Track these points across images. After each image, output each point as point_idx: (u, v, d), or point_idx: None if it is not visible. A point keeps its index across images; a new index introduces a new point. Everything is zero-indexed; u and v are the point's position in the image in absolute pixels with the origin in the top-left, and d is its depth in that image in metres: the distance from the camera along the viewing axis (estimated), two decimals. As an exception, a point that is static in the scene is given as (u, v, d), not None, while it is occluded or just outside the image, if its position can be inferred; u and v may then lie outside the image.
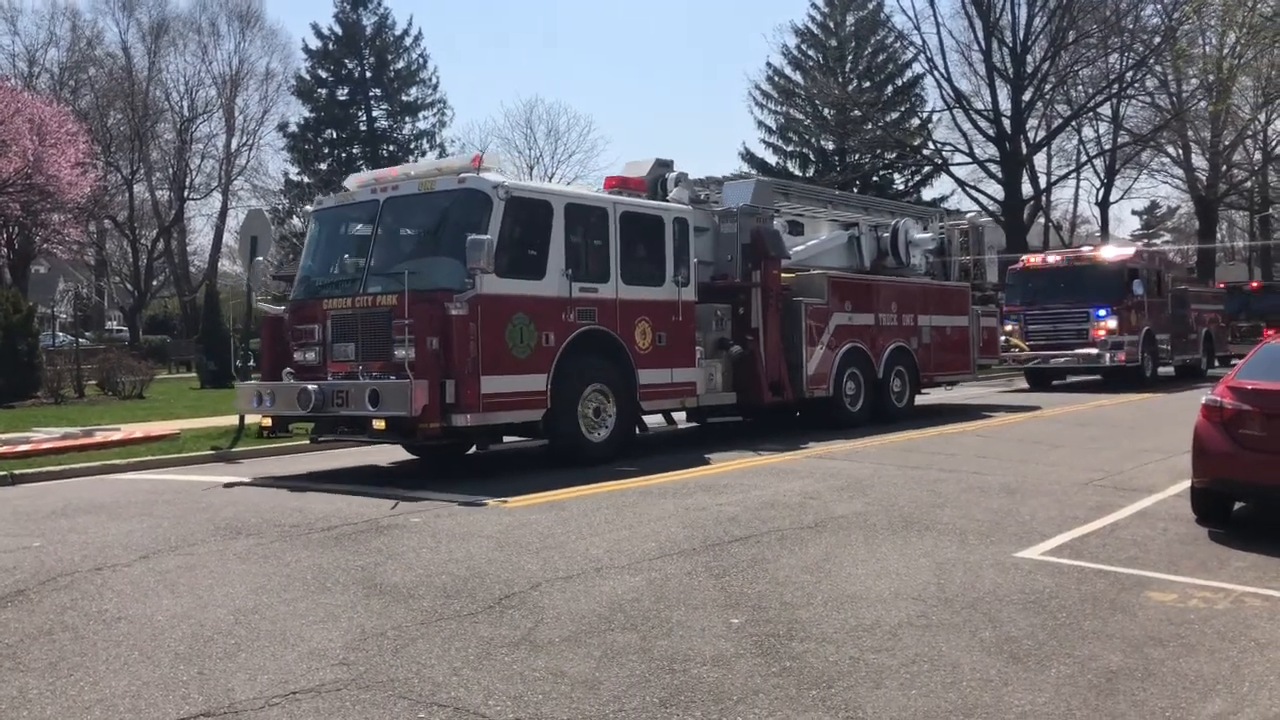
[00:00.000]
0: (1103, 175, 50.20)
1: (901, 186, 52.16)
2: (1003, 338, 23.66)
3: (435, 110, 55.28)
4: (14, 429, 14.48)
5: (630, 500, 9.02)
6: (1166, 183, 54.72)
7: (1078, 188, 51.09)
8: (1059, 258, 25.17)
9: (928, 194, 51.77)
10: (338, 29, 53.94)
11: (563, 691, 4.45)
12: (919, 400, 17.57)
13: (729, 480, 10.16)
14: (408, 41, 55.12)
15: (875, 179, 51.27)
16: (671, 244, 12.56)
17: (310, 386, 10.31)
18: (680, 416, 14.04)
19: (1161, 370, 24.95)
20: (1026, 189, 44.86)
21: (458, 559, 6.81)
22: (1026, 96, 41.64)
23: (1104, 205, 51.25)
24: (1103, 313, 23.04)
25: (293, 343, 11.24)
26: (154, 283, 57.28)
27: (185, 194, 55.53)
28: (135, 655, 4.93)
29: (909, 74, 51.12)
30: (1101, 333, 22.98)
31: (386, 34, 54.72)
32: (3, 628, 5.40)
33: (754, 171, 52.36)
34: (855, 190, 51.96)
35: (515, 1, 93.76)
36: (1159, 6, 40.26)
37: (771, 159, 52.86)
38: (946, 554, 6.91)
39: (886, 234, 17.48)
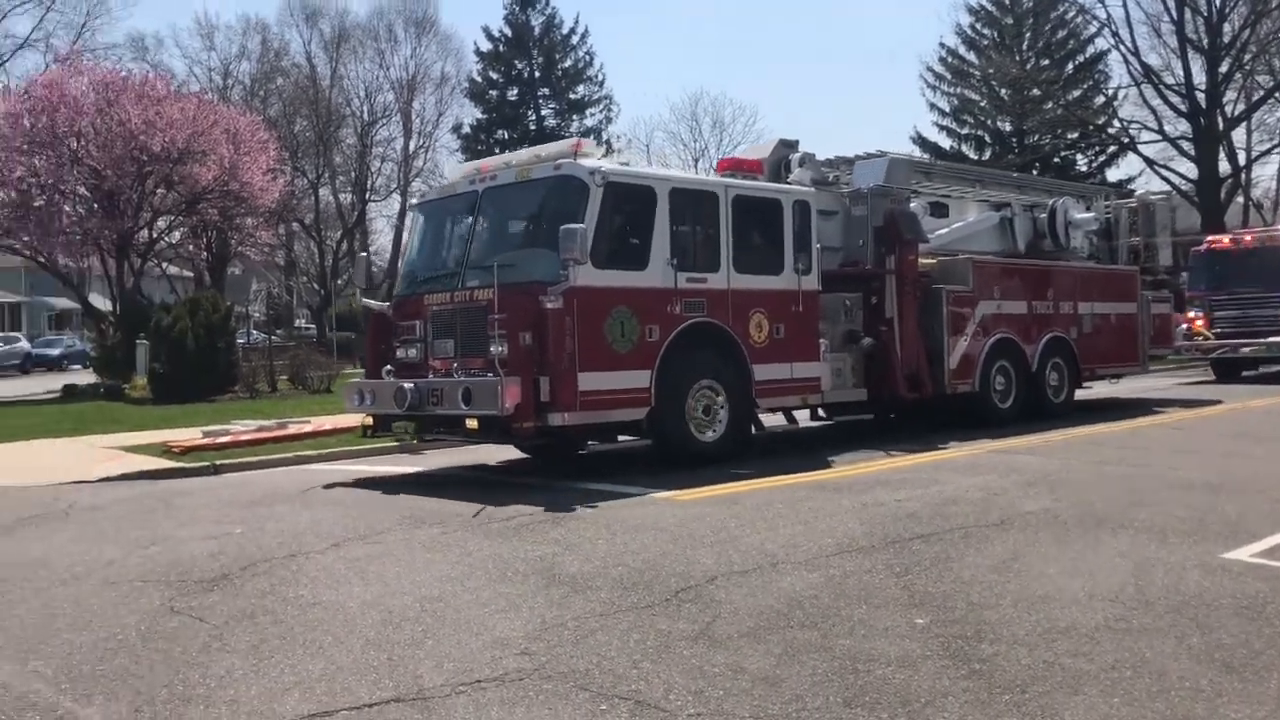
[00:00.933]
0: (1309, 150, 46.72)
1: (1085, 168, 49.80)
2: (1184, 325, 22.00)
3: (601, 107, 56.12)
4: (215, 421, 15.38)
5: (803, 495, 8.87)
6: (1383, 155, 50.38)
7: (1281, 163, 47.94)
8: (1250, 238, 23.15)
9: (1113, 175, 49.22)
10: (507, 30, 55.31)
11: (743, 688, 4.38)
12: (1079, 395, 16.24)
13: (906, 475, 9.88)
14: (574, 40, 56.08)
15: (1056, 160, 49.07)
16: (791, 229, 11.75)
17: (406, 385, 10.11)
18: (804, 415, 13.26)
19: None
20: (1224, 166, 42.14)
21: (633, 550, 6.84)
22: (1223, 68, 39.13)
23: (1311, 182, 47.75)
24: None
25: (396, 339, 11.07)
26: (338, 281, 60.12)
27: (366, 196, 58.10)
28: (329, 640, 5.13)
29: (1091, 50, 48.69)
30: None
31: (554, 33, 55.75)
32: (210, 609, 5.71)
33: (927, 156, 50.96)
34: (1035, 172, 50.01)
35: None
36: (1373, -36, 37.18)
37: (945, 142, 51.33)
38: (1145, 554, 6.51)
39: (1043, 214, 16.23)
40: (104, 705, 4.36)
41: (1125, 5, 41.31)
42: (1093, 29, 46.97)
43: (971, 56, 51.13)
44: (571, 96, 55.81)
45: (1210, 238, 23.90)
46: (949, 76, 51.50)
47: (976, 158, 50.73)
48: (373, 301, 12.38)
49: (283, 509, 8.88)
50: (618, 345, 10.05)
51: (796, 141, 13.80)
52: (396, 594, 5.94)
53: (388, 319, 11.33)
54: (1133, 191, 19.75)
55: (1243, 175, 45.46)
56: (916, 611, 5.41)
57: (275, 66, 58.16)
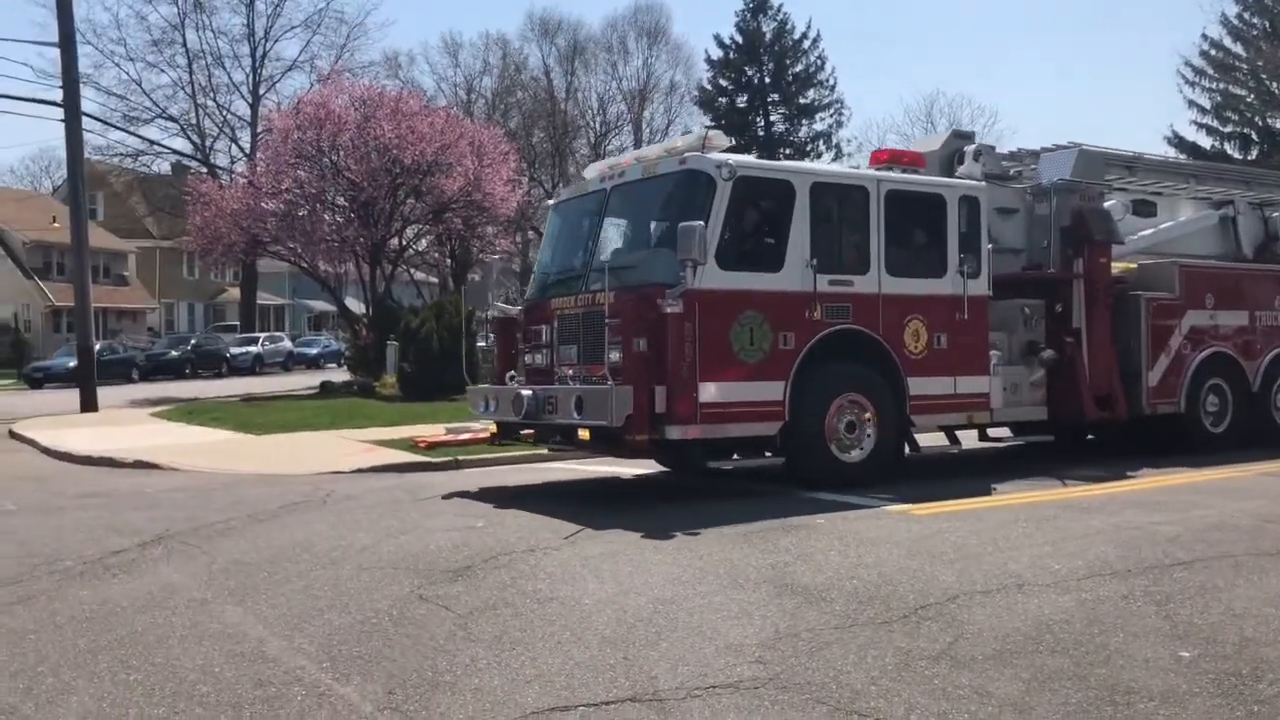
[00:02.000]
0: None
1: (1367, 166, 45.18)
2: None
3: (832, 111, 55.59)
4: (457, 419, 16.12)
5: (1049, 514, 8.40)
6: None
7: None
8: None
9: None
10: (738, 37, 55.56)
11: (990, 713, 4.17)
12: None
13: (1163, 497, 9.20)
14: (805, 44, 55.78)
15: (1334, 158, 44.73)
16: (956, 227, 10.61)
17: (525, 392, 9.70)
18: (971, 435, 11.64)
19: None
20: None
21: (867, 564, 6.66)
22: None
23: None
24: None
25: (524, 344, 10.71)
26: (570, 287, 61.86)
27: (599, 205, 59.49)
28: (566, 635, 5.24)
29: (1378, 36, 44.15)
30: None
31: (785, 39, 55.61)
32: (455, 599, 5.96)
33: (1183, 156, 47.61)
34: (1308, 172, 45.72)
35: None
36: None
37: (1205, 141, 47.87)
38: None
39: (1276, 213, 14.43)
40: (360, 685, 4.60)
41: None
42: (1380, 13, 42.67)
43: (1238, 49, 47.44)
44: (801, 101, 55.50)
45: None
46: (1210, 71, 47.99)
47: (1242, 158, 47.01)
48: (503, 305, 11.90)
49: (538, 503, 9.17)
50: (746, 354, 9.32)
51: (972, 133, 12.73)
52: (630, 593, 6.01)
53: (516, 323, 10.98)
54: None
55: None
56: (1180, 644, 5.01)
57: (515, 80, 60.64)
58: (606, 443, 9.22)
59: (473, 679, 4.64)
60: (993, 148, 12.89)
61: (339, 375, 31.00)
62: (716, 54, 56.39)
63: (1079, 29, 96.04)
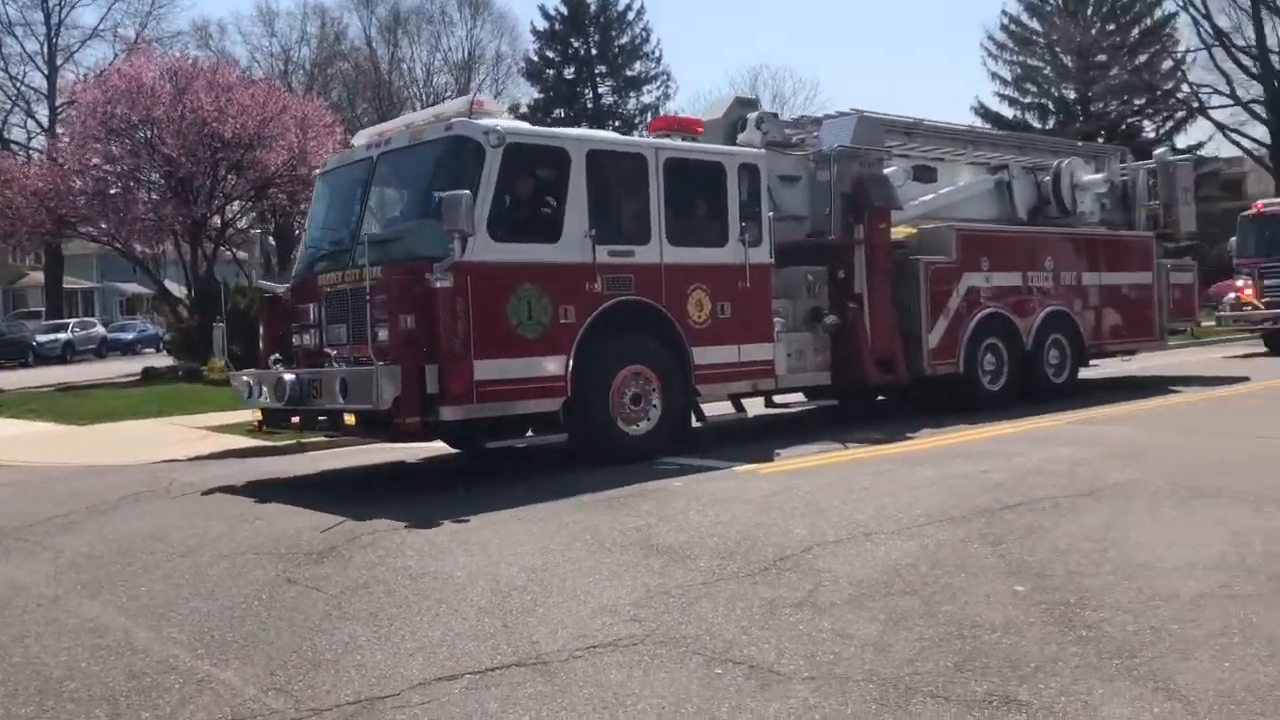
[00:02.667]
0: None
1: (1152, 134, 48.75)
2: (1231, 295, 21.28)
3: (659, 84, 56.19)
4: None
5: (886, 468, 8.92)
6: None
7: (1358, 125, 46.25)
8: None
9: (1181, 141, 48.15)
10: (563, 8, 55.45)
11: (853, 653, 4.48)
12: (1086, 374, 14.97)
13: (987, 447, 9.88)
14: (630, 16, 56.18)
15: (1122, 128, 48.11)
16: (737, 195, 10.57)
17: (287, 376, 9.09)
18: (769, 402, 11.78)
19: None
20: (1298, 130, 41.05)
21: (724, 521, 6.95)
22: (1298, 28, 38.05)
23: (1391, 143, 46.27)
24: None
25: (294, 324, 10.14)
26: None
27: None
28: (443, 608, 5.31)
29: (1159, 13, 47.67)
30: None
31: (610, 10, 55.81)
32: (325, 580, 5.93)
33: (988, 125, 50.17)
34: (1100, 140, 49.05)
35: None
36: None
37: (1007, 112, 50.72)
38: (1242, 522, 6.48)
39: (1047, 177, 14.91)
40: (240, 669, 4.57)
41: (1195, -34, 40.31)
42: (1161, -9, 45.97)
43: (1035, 24, 50.36)
44: (628, 73, 55.87)
45: (1261, 201, 22.73)
46: (1011, 45, 50.78)
47: (1041, 126, 49.94)
48: (267, 283, 11.13)
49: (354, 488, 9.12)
50: (524, 328, 8.94)
51: (755, 100, 12.57)
52: (500, 564, 6.11)
53: (282, 302, 10.37)
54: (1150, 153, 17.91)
55: (1319, 139, 44.20)
56: (1015, 579, 5.46)
57: (335, 51, 58.89)
58: (375, 427, 8.78)
59: (354, 655, 4.67)
60: (775, 115, 13.03)
61: (160, 361, 29.58)
62: (542, 25, 56.16)
63: (891, 6, 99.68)
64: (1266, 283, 21.02)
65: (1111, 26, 47.93)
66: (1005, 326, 13.29)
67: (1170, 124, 48.16)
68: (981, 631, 4.69)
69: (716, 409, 11.00)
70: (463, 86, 59.33)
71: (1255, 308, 20.99)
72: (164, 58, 28.77)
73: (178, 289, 31.90)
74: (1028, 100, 50.79)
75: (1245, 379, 15.61)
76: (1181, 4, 42.47)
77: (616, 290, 9.58)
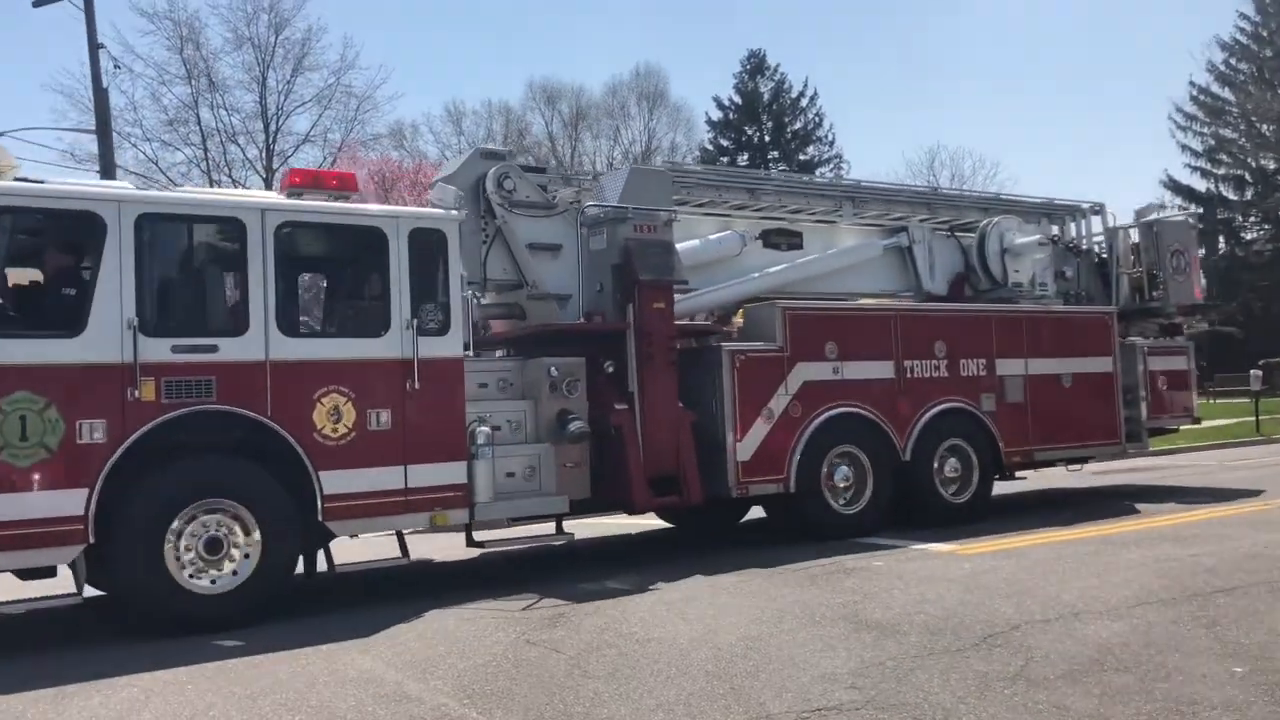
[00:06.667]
0: None
1: (1361, 203, 46.24)
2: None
3: (832, 166, 56.54)
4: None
5: (1092, 549, 8.94)
6: None
7: None
8: None
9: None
10: (737, 99, 56.95)
11: (1071, 724, 4.69)
12: (1009, 488, 12.48)
13: (1198, 530, 9.73)
14: (804, 103, 57.16)
15: (1327, 197, 45.80)
16: (406, 270, 8.34)
17: None
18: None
19: None
20: None
21: (930, 599, 7.19)
22: None
23: None
24: None
25: None
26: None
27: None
28: (673, 670, 5.76)
29: (1364, 77, 45.38)
30: None
31: (784, 98, 57.02)
32: (561, 642, 6.48)
33: (1178, 200, 48.46)
34: (1303, 212, 46.78)
35: (908, 52, 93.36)
36: None
37: (1199, 184, 49.03)
38: None
39: (972, 241, 12.58)
40: (503, 717, 5.12)
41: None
42: (1365, 55, 43.92)
43: (1227, 93, 48.67)
44: (801, 158, 56.65)
45: None
46: (1201, 115, 49.22)
47: (1237, 198, 48.00)
48: None
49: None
50: (13, 454, 6.88)
51: (507, 151, 10.57)
52: (718, 632, 6.54)
53: None
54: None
55: None
56: (1232, 661, 5.52)
57: (519, 146, 61.79)
58: None
59: (600, 709, 5.16)
60: (540, 169, 11.23)
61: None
62: (716, 115, 57.81)
63: (1076, 77, 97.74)
64: None
65: (1312, 93, 45.94)
66: (867, 430, 10.64)
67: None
68: (1201, 709, 4.81)
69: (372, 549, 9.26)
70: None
71: None
72: (367, 159, 31.13)
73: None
74: (1221, 172, 49.00)
75: (1258, 493, 12.58)
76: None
77: (185, 398, 7.42)
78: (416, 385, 8.24)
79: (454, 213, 8.95)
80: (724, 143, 57.78)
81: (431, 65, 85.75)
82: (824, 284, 11.72)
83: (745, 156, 56.84)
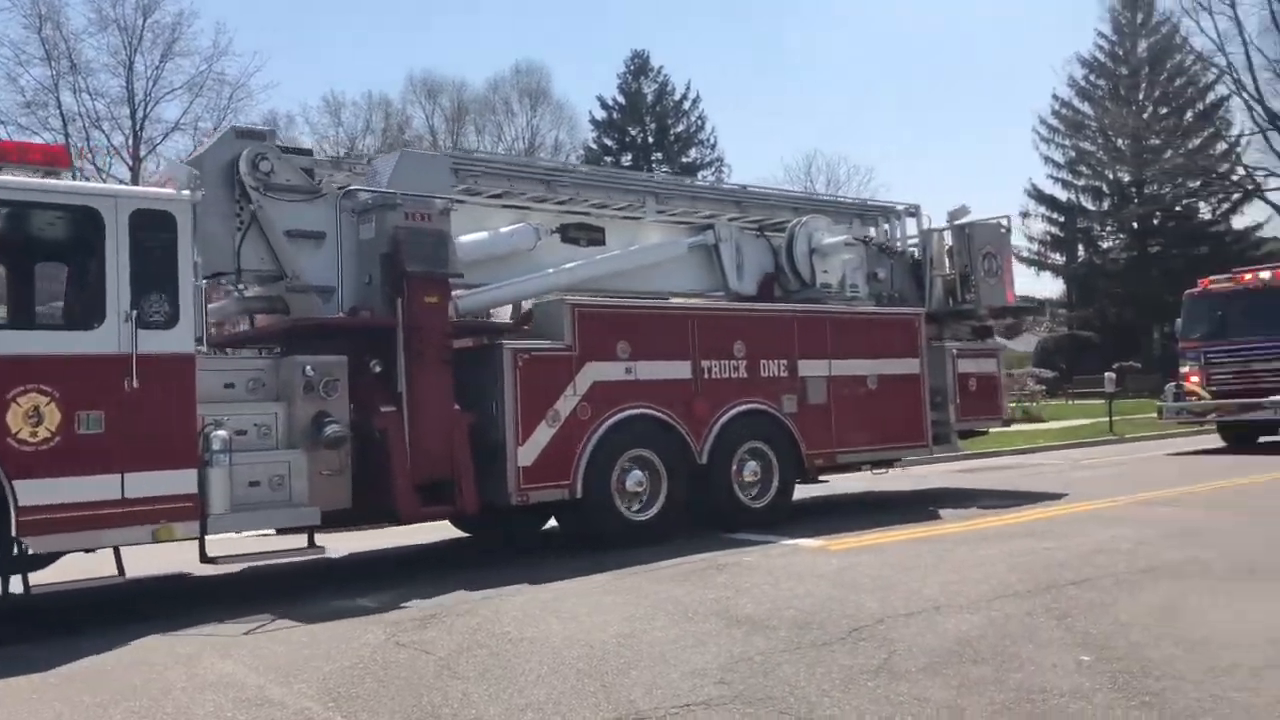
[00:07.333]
0: None
1: (1208, 215, 48.92)
2: (1172, 384, 19.27)
3: (714, 169, 57.30)
4: None
5: (952, 544, 9.25)
6: None
7: None
8: (1251, 277, 19.03)
9: (1238, 222, 48.29)
10: (621, 99, 57.22)
11: (929, 715, 4.83)
12: (817, 490, 12.67)
13: (1051, 525, 10.15)
14: (686, 105, 57.82)
15: (1178, 209, 48.35)
16: (125, 256, 7.51)
17: None
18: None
19: None
20: (1358, 211, 41.03)
21: (799, 594, 7.33)
22: (1353, 111, 38.29)
23: None
24: None
25: None
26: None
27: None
28: (545, 669, 5.75)
29: (1211, 96, 48.09)
30: None
31: (667, 100, 57.52)
32: (431, 643, 6.40)
33: (1042, 208, 50.61)
34: (1155, 223, 49.34)
35: (788, 57, 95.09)
36: None
37: (1061, 194, 51.20)
38: None
39: (781, 240, 12.35)
40: (367, 721, 5.03)
41: (1246, 51, 40.83)
42: (1211, 76, 46.51)
43: (1086, 108, 50.97)
44: (684, 160, 57.22)
45: (1209, 278, 20.01)
46: (1063, 129, 51.41)
47: (1095, 208, 50.26)
48: None
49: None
50: None
51: (268, 131, 9.73)
52: (592, 630, 6.54)
53: None
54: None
55: (1379, 220, 44.06)
56: (1080, 650, 5.78)
57: (399, 140, 60.83)
58: None
59: (468, 710, 5.11)
60: (306, 151, 10.46)
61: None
62: (600, 114, 58.02)
63: (951, 89, 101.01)
64: (1213, 372, 18.78)
65: (1164, 110, 48.39)
66: (662, 433, 10.20)
67: (1226, 205, 48.25)
68: (1051, 697, 5.02)
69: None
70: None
71: (1200, 397, 18.75)
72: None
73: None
74: (1081, 183, 51.27)
75: (1059, 496, 12.58)
76: (1234, 89, 42.87)
77: None
78: (136, 384, 7.38)
79: (185, 194, 8.06)
80: (608, 142, 57.98)
81: (309, 55, 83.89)
82: (629, 282, 11.30)
83: (629, 157, 57.16)
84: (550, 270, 10.64)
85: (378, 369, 8.92)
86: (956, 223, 13.58)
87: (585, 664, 5.82)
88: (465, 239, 9.91)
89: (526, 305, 10.78)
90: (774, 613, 6.82)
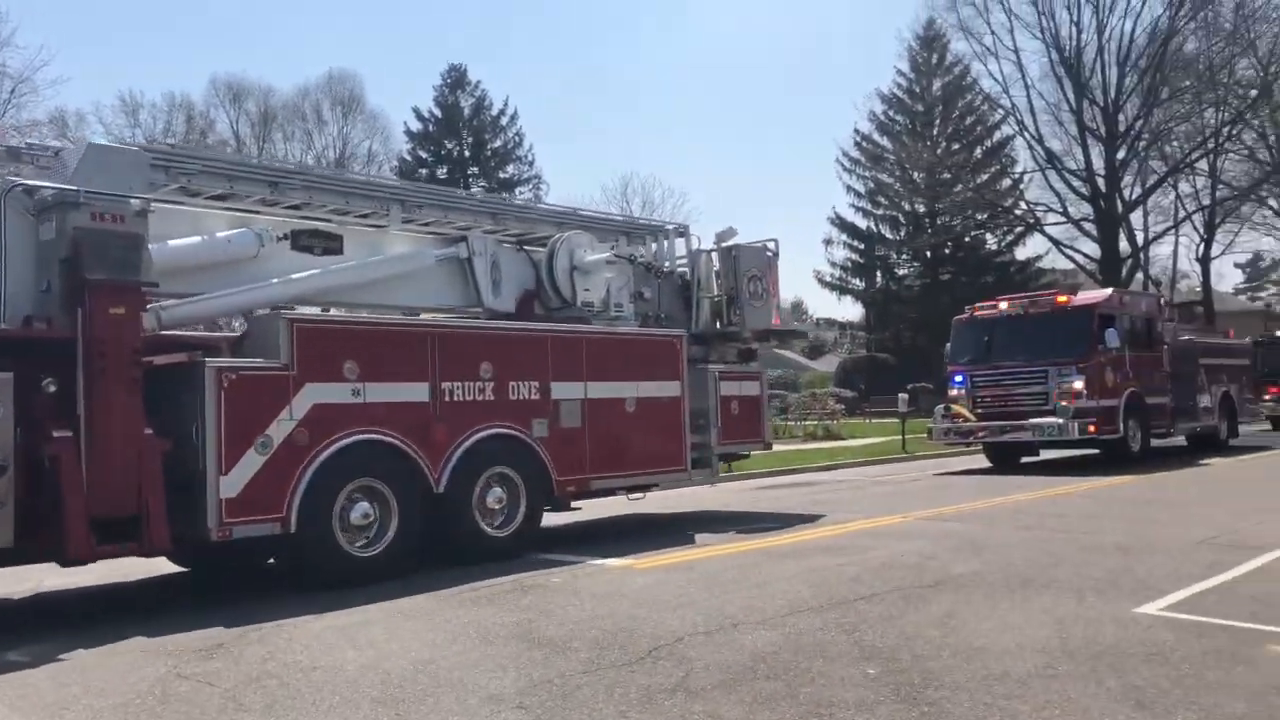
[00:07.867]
0: (1202, 230, 49.50)
1: (994, 246, 52.14)
2: (941, 406, 20.30)
3: (531, 185, 57.27)
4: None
5: (754, 561, 9.48)
6: (1271, 235, 53.59)
7: (1176, 243, 50.96)
8: (1009, 304, 20.06)
9: (1021, 253, 51.73)
10: (437, 111, 56.51)
11: (723, 732, 4.93)
12: (569, 517, 12.28)
13: (846, 541, 10.55)
14: (504, 121, 57.57)
15: (967, 240, 51.37)
16: None
17: None
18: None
19: (1162, 442, 21.23)
20: (1124, 246, 44.60)
21: (601, 615, 7.35)
22: (1120, 155, 41.81)
23: (1205, 260, 50.48)
24: (1066, 372, 18.48)
25: None
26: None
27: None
28: (337, 700, 5.55)
29: (998, 135, 51.50)
30: (1065, 397, 18.29)
31: (484, 114, 57.13)
32: (216, 675, 6.09)
33: (842, 234, 52.70)
34: (946, 252, 52.29)
35: (607, 80, 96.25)
36: (1254, 60, 40.08)
37: (861, 223, 53.53)
38: (1066, 610, 7.22)
39: (541, 256, 11.82)
40: (141, 761, 4.73)
41: (1028, 95, 43.91)
42: (998, 116, 49.69)
43: (885, 141, 53.53)
44: (501, 175, 57.03)
45: (976, 305, 20.93)
46: (864, 160, 53.81)
47: (893, 237, 52.76)
48: None
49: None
50: None
51: None
52: (389, 658, 6.37)
53: None
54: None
55: (1141, 255, 48.03)
56: (868, 663, 6.01)
57: (201, 144, 58.18)
58: None
59: (254, 746, 4.89)
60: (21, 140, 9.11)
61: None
62: (416, 126, 57.10)
63: (759, 121, 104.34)
64: (979, 394, 19.62)
65: (955, 146, 51.42)
66: (394, 460, 9.40)
67: (1010, 238, 51.64)
68: (838, 710, 5.20)
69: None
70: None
71: (966, 419, 19.48)
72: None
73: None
74: (880, 212, 53.83)
75: (815, 518, 12.67)
76: (1017, 129, 45.98)
77: None
78: None
79: None
80: (423, 154, 57.14)
81: (103, 52, 79.37)
82: (373, 296, 10.52)
83: (444, 170, 56.48)
84: (275, 280, 9.65)
85: (52, 388, 7.78)
86: (724, 244, 13.36)
87: (380, 692, 5.66)
88: (175, 243, 9.05)
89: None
90: (576, 634, 6.82)
